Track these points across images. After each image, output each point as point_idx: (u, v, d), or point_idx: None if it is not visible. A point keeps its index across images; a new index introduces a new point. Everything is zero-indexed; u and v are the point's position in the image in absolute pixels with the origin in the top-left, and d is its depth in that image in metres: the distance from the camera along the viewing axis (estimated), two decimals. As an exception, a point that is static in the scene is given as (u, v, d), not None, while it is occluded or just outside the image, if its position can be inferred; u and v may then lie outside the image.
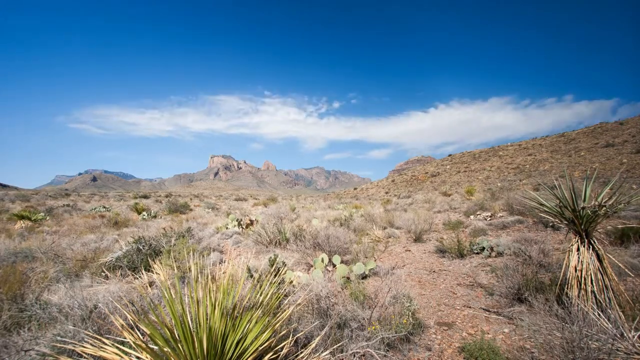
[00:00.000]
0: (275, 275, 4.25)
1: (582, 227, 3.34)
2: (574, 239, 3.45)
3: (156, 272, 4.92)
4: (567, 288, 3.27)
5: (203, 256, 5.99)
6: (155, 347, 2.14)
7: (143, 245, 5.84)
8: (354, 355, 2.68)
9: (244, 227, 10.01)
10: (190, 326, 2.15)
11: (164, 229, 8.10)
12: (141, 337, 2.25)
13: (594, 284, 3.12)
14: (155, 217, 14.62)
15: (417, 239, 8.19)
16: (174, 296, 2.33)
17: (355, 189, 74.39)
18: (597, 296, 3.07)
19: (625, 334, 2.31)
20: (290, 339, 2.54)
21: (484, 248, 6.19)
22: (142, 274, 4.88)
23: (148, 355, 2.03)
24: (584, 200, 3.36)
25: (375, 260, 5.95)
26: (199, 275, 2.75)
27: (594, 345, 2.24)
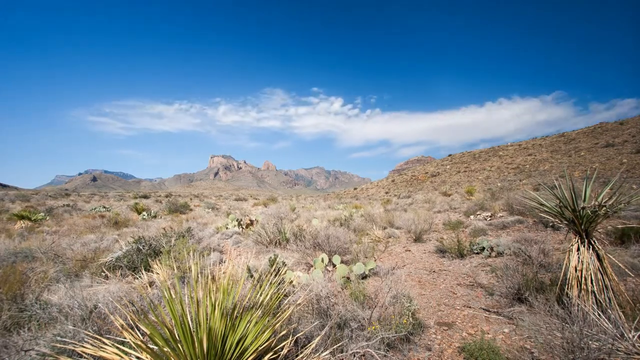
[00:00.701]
0: (275, 275, 4.25)
1: (582, 227, 3.34)
2: (574, 239, 3.45)
3: (156, 272, 4.91)
4: (567, 288, 3.27)
5: (203, 256, 5.99)
6: (155, 347, 2.14)
7: (143, 245, 5.83)
8: (354, 355, 2.68)
9: (244, 227, 10.01)
10: (190, 326, 2.15)
11: (164, 229, 8.10)
12: (141, 337, 2.25)
13: (594, 284, 3.12)
14: (155, 217, 14.62)
15: (417, 239, 8.19)
16: (173, 296, 2.33)
17: (355, 189, 74.42)
18: (597, 296, 3.07)
19: (625, 334, 2.31)
20: (290, 339, 2.54)
21: (484, 248, 6.19)
22: (142, 274, 4.88)
23: (148, 355, 2.03)
24: (584, 200, 3.36)
25: (375, 260, 5.95)
26: (199, 276, 2.75)
27: (594, 346, 2.24)
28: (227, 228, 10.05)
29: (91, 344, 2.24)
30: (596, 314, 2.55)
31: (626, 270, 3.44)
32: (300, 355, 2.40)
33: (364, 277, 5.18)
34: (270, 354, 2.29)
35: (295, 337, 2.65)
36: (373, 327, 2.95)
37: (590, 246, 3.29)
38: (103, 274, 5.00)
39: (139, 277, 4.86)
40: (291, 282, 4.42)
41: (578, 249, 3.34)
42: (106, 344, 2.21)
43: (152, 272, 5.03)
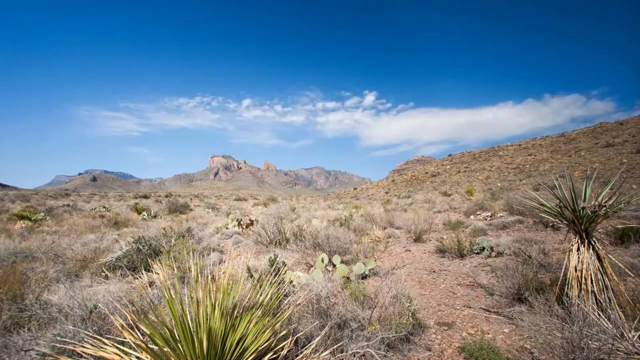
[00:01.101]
0: (275, 275, 4.25)
1: (582, 227, 3.34)
2: (574, 239, 3.45)
3: (156, 272, 4.92)
4: (567, 288, 3.27)
5: (203, 256, 5.99)
6: (155, 347, 2.14)
7: (143, 245, 5.83)
8: (354, 355, 2.68)
9: (244, 227, 10.01)
10: (190, 326, 2.15)
11: (164, 229, 8.10)
12: (141, 337, 2.25)
13: (594, 284, 3.12)
14: (155, 217, 14.62)
15: (417, 239, 8.19)
16: (173, 296, 2.33)
17: (355, 189, 74.41)
18: (597, 296, 3.07)
19: (625, 334, 2.31)
20: (290, 339, 2.54)
21: (484, 248, 6.19)
22: (142, 274, 4.88)
23: (148, 355, 2.03)
24: (584, 201, 3.36)
25: (375, 260, 5.95)
26: (199, 276, 2.75)
27: (594, 346, 2.24)
28: (227, 228, 10.05)
29: (91, 344, 2.24)
30: (596, 314, 2.55)
31: (626, 270, 3.43)
32: (300, 355, 2.40)
33: (364, 277, 5.18)
34: (270, 354, 2.29)
35: (295, 337, 2.65)
36: (373, 327, 2.95)
37: (590, 246, 3.29)
38: (103, 274, 5.00)
39: (139, 277, 4.86)
40: (291, 282, 4.42)
41: (578, 249, 3.34)
42: (106, 344, 2.21)
43: (152, 272, 5.03)
